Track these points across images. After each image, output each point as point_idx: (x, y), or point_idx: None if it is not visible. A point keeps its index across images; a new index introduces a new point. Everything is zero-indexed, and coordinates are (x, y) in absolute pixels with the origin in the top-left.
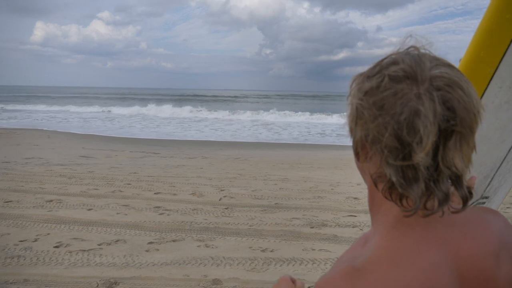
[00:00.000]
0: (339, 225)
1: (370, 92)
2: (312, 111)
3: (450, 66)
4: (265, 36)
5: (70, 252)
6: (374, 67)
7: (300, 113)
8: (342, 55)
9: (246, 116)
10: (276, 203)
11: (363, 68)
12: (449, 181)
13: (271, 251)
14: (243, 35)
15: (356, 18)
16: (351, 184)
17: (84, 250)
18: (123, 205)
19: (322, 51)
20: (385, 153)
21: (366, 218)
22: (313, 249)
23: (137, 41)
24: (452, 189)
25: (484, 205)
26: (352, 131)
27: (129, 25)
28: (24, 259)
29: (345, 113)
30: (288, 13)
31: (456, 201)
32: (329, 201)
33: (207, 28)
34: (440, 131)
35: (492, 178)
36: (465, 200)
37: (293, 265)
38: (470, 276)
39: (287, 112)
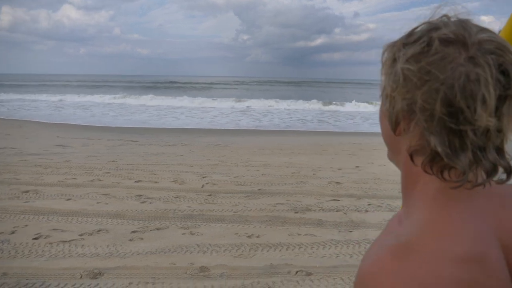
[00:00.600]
0: (323, 210)
1: (415, 57)
2: (291, 98)
3: (494, 32)
4: (242, 21)
5: (51, 243)
6: (411, 34)
7: (279, 100)
8: (319, 41)
9: (224, 103)
10: (259, 189)
11: (341, 54)
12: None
13: (257, 236)
14: (220, 20)
15: (333, 4)
16: (332, 169)
17: (65, 241)
18: (103, 194)
19: (300, 37)
20: (433, 121)
21: (349, 202)
22: (299, 234)
23: (110, 26)
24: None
25: None
26: (390, 102)
27: (102, 10)
28: (2, 252)
29: (324, 100)
30: None
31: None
32: (311, 186)
33: (183, 13)
34: (495, 96)
35: None
36: (508, 170)
37: (280, 250)
38: (511, 248)
39: (264, 100)
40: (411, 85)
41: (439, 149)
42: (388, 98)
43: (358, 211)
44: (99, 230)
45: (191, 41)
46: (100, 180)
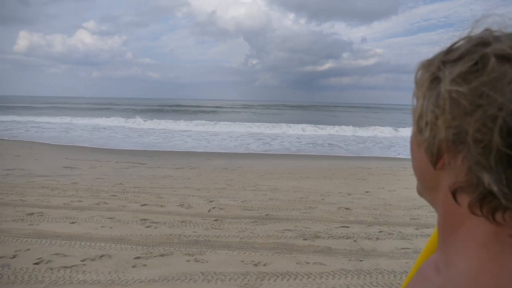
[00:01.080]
0: (332, 237)
1: (463, 76)
2: (300, 122)
3: None
4: (252, 46)
5: (51, 269)
6: (451, 50)
7: (288, 124)
8: (327, 65)
9: (232, 126)
10: (266, 214)
11: (349, 79)
12: None
13: (264, 265)
14: (230, 46)
15: (341, 30)
16: (341, 194)
17: (66, 267)
18: (108, 218)
19: (308, 62)
20: (488, 154)
21: (359, 229)
22: (307, 262)
23: (123, 51)
24: None
25: None
26: (431, 130)
27: (115, 35)
28: (1, 278)
29: (333, 125)
30: (274, 24)
31: None
32: (320, 212)
33: (194, 39)
34: None
35: None
36: None
37: (288, 279)
38: None
39: (273, 123)
40: (459, 111)
41: (495, 188)
42: (428, 126)
43: (369, 238)
44: (101, 256)
45: (201, 65)
46: (106, 203)
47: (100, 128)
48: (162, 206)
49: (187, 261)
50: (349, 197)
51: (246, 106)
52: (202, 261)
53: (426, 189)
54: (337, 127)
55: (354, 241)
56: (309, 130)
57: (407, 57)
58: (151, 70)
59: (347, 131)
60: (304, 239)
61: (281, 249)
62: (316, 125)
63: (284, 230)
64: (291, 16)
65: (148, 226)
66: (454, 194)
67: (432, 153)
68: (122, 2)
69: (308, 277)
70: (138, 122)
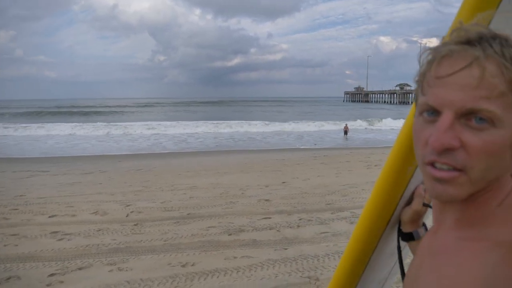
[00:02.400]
0: (256, 229)
1: None
2: (211, 118)
3: None
4: (157, 42)
5: None
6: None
7: (198, 121)
8: (236, 61)
9: (142, 126)
10: (188, 213)
11: (258, 74)
12: None
13: (192, 265)
14: (134, 41)
15: (247, 25)
16: (260, 186)
17: None
18: (12, 235)
19: (216, 57)
20: None
21: (280, 219)
22: (235, 257)
23: (11, 47)
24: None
25: None
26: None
27: (0, 30)
28: None
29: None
30: (180, 19)
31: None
32: (242, 206)
33: (94, 34)
34: None
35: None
36: None
37: (218, 276)
38: None
39: (182, 122)
40: None
41: None
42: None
43: (290, 227)
44: (8, 278)
45: (103, 63)
46: (7, 219)
47: None
48: (73, 215)
49: (109, 271)
50: (267, 189)
51: (151, 105)
52: (126, 269)
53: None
54: (248, 122)
55: (277, 231)
56: (221, 127)
57: (310, 52)
58: (47, 69)
59: (258, 125)
60: (229, 234)
61: (207, 246)
62: (227, 121)
63: (208, 227)
64: (197, 11)
65: (61, 239)
66: None
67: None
68: None
69: (238, 271)
70: (37, 128)
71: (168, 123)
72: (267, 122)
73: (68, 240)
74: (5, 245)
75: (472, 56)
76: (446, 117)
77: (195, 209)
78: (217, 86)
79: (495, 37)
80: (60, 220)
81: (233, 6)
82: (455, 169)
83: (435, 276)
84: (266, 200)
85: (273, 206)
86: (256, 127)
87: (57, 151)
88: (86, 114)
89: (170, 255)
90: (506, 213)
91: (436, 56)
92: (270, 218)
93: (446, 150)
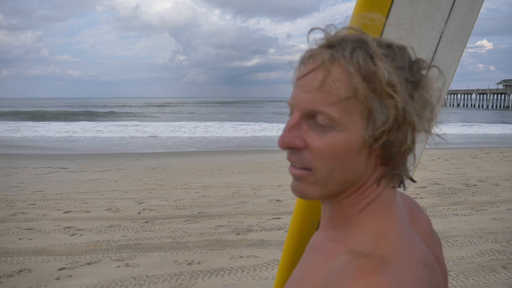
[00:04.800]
0: (264, 229)
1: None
2: (229, 118)
3: None
4: (178, 42)
5: None
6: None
7: (218, 122)
8: (255, 61)
9: (162, 126)
10: (199, 212)
11: (276, 74)
12: None
13: (198, 263)
14: (155, 41)
15: (266, 26)
16: (272, 186)
17: None
18: (27, 229)
19: (235, 57)
20: None
21: (289, 220)
22: (241, 257)
23: (37, 47)
24: None
25: None
26: None
27: (28, 30)
28: None
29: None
30: (200, 19)
31: None
32: (252, 206)
33: (116, 34)
34: None
35: None
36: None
37: (222, 275)
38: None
39: (203, 122)
40: None
41: None
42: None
43: None
44: (20, 271)
45: (125, 62)
46: (24, 213)
47: (14, 130)
48: (87, 211)
49: (117, 267)
50: (279, 189)
51: (176, 104)
52: (133, 266)
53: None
54: (266, 122)
55: (286, 231)
56: (238, 127)
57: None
58: (70, 68)
59: (275, 126)
60: (237, 234)
61: (214, 245)
62: (244, 121)
63: (217, 226)
64: (217, 11)
65: (73, 234)
66: None
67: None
68: None
69: (242, 271)
70: (60, 124)
71: (187, 123)
72: (284, 123)
73: (80, 235)
74: (20, 239)
75: (321, 60)
76: (293, 117)
77: (206, 208)
78: (236, 85)
79: (360, 42)
80: (74, 216)
81: (253, 7)
82: (305, 168)
83: (295, 269)
84: (278, 200)
85: (284, 206)
86: (273, 127)
87: (77, 148)
88: (108, 114)
89: (177, 253)
90: (365, 220)
91: (301, 59)
92: (279, 218)
93: (293, 149)
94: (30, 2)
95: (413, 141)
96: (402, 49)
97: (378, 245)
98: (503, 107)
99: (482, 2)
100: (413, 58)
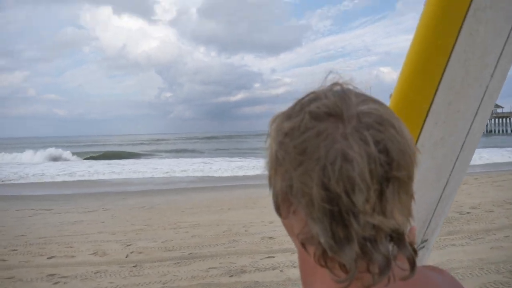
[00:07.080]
0: (258, 270)
1: (290, 133)
2: (216, 154)
3: (378, 102)
4: (164, 79)
5: None
6: (295, 105)
7: (205, 158)
8: (240, 96)
9: (148, 163)
10: (189, 253)
11: (262, 107)
12: (388, 239)
13: None
14: (141, 79)
15: (250, 61)
16: (264, 223)
17: None
18: (7, 278)
19: (221, 93)
20: (313, 206)
21: (284, 258)
22: None
23: (24, 87)
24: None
25: (423, 248)
26: (271, 181)
27: (15, 71)
28: None
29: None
30: (186, 57)
31: (401, 259)
32: (244, 244)
33: (103, 73)
34: (376, 179)
35: (430, 221)
36: (411, 262)
37: None
38: None
39: (191, 158)
40: (287, 165)
41: (322, 240)
42: (268, 177)
43: (294, 267)
44: None
45: (112, 100)
46: (4, 261)
47: None
48: (72, 256)
49: None
50: (271, 225)
51: (156, 142)
52: None
53: (290, 236)
54: (254, 156)
55: (280, 271)
56: (225, 161)
57: (312, 84)
58: (56, 107)
59: (263, 159)
60: (230, 276)
61: None
62: (232, 155)
63: (209, 268)
64: (202, 49)
65: (56, 282)
66: (303, 244)
67: (274, 203)
68: (23, 37)
69: None
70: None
71: (171, 160)
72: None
73: (64, 283)
74: None
75: None
76: None
77: (196, 249)
78: (222, 120)
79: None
80: (59, 261)
81: (237, 43)
82: None
83: None
84: (270, 237)
85: (277, 244)
86: (261, 161)
87: (62, 187)
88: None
89: None
90: None
91: None
92: (273, 257)
93: None
94: (18, 44)
95: None
96: None
97: None
98: (486, 131)
99: None
100: None
